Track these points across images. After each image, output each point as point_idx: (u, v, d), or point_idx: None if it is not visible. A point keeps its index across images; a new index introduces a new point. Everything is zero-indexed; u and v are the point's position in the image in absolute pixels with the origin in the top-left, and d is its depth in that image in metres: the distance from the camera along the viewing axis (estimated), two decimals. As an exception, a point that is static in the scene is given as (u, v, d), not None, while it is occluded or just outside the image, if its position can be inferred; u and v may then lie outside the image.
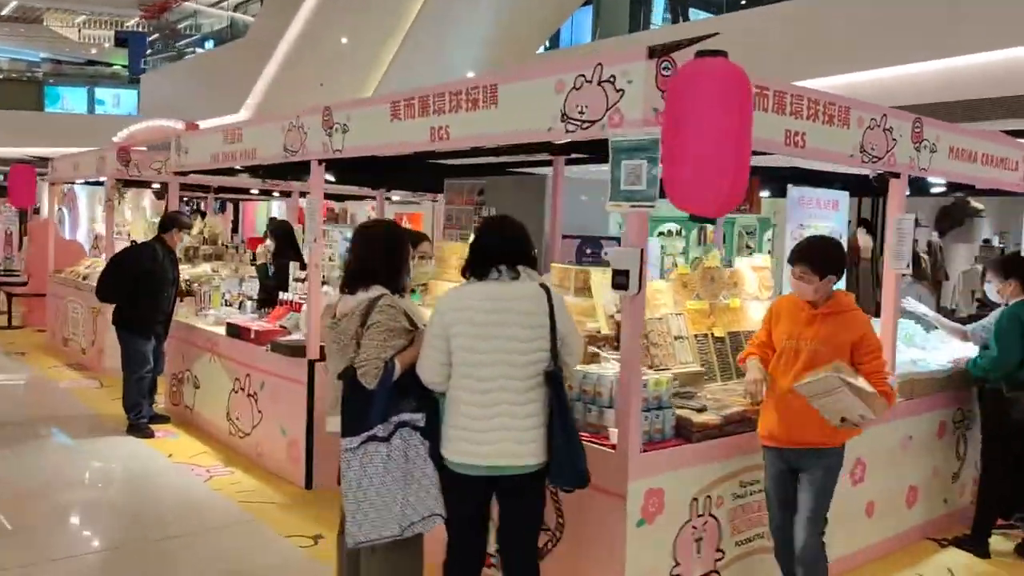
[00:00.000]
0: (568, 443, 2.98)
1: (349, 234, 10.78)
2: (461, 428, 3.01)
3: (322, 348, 5.31)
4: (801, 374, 3.42)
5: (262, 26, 17.04)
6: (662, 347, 3.99)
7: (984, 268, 5.11)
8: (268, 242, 7.13)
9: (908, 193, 4.82)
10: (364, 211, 16.32)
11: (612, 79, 3.27)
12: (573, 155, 6.10)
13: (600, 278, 4.13)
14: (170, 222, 6.76)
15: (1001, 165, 5.28)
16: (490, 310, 3.03)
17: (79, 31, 32.52)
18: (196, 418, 6.75)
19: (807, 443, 3.49)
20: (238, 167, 6.63)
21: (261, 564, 4.33)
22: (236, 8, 22.19)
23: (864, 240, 9.62)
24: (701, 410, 3.67)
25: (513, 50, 14.81)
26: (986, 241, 14.07)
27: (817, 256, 3.48)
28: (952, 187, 5.96)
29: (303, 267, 6.71)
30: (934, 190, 6.10)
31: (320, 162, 5.35)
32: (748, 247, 10.22)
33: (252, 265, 8.45)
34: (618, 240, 7.16)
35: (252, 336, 5.92)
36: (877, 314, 4.63)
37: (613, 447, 3.31)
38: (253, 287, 7.13)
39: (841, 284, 4.07)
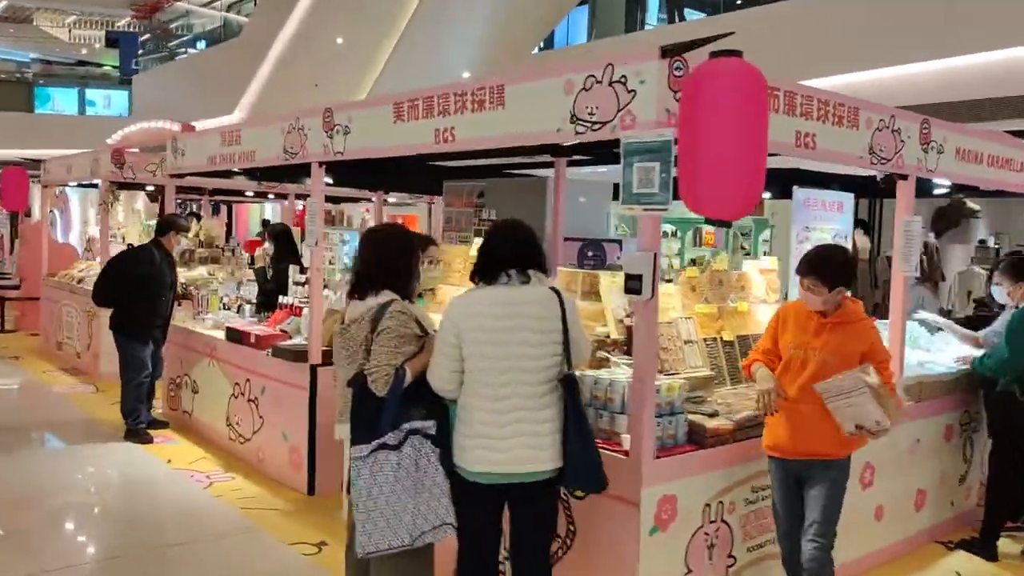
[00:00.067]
0: (585, 447, 2.95)
1: (347, 236, 10.76)
2: (476, 436, 2.96)
3: (324, 352, 5.29)
4: (808, 384, 3.36)
5: (256, 26, 16.94)
6: (672, 351, 3.95)
7: (992, 270, 5.08)
8: (267, 245, 7.05)
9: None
10: (359, 213, 16.26)
11: (624, 79, 3.22)
12: (575, 156, 6.05)
13: (609, 282, 4.09)
14: (167, 225, 6.68)
15: (1007, 166, 5.26)
16: (501, 315, 2.98)
17: (69, 31, 32.33)
18: (195, 423, 6.67)
19: (814, 454, 3.43)
20: (236, 169, 6.56)
21: (264, 572, 4.27)
22: (229, 8, 22.08)
23: (861, 241, 9.61)
24: (713, 415, 3.63)
25: (509, 50, 14.76)
26: (982, 242, 14.09)
27: (826, 268, 3.41)
28: (955, 188, 5.93)
29: (303, 271, 6.64)
30: (936, 191, 6.08)
31: (321, 164, 5.28)
32: (743, 248, 10.19)
33: (250, 268, 8.37)
34: (619, 243, 7.13)
35: (252, 340, 5.85)
36: (873, 314, 4.60)
37: (626, 453, 3.26)
38: (251, 291, 7.05)
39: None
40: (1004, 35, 8.43)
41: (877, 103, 4.21)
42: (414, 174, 7.88)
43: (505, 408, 2.94)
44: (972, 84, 8.56)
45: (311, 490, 5.31)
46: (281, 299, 6.30)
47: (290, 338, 5.78)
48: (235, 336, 6.09)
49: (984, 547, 4.62)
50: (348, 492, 3.11)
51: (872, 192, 7.08)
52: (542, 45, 16.32)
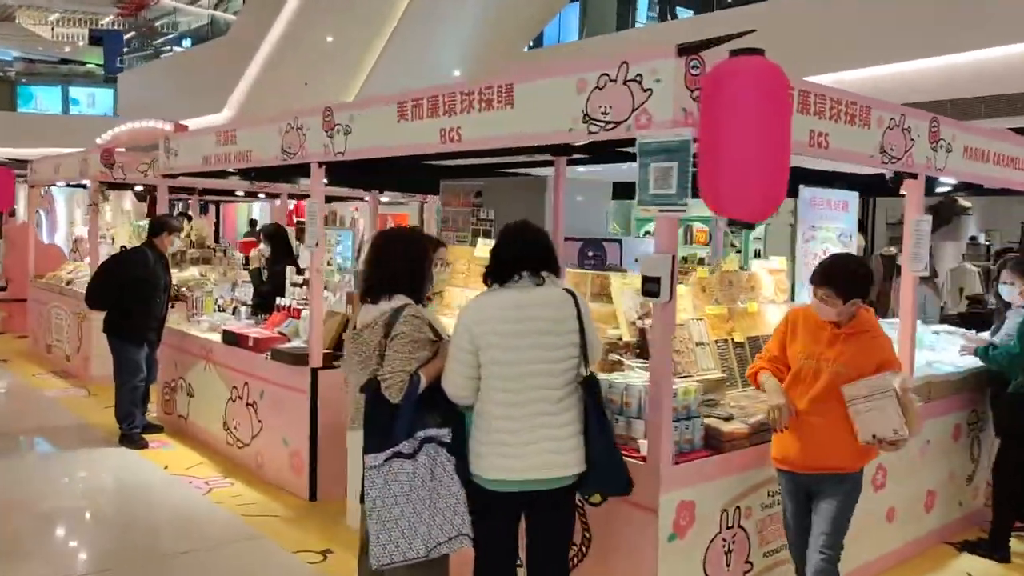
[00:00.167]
0: (610, 449, 2.89)
1: (339, 236, 10.64)
2: (495, 444, 2.89)
3: (326, 356, 5.21)
4: (820, 397, 3.27)
5: (244, 24, 16.78)
6: (684, 354, 3.89)
7: (999, 268, 5.06)
8: (262, 246, 6.94)
9: (901, 194, 4.77)
10: (348, 212, 16.14)
11: (639, 78, 3.16)
12: (576, 155, 5.99)
13: (620, 284, 4.03)
14: (160, 226, 6.57)
15: (1012, 165, 5.24)
16: (516, 319, 2.91)
17: (52, 29, 31.95)
18: (190, 427, 6.57)
19: (826, 468, 3.32)
20: (231, 169, 6.46)
21: (270, 582, 4.19)
22: (216, 6, 21.87)
23: (856, 239, 9.60)
24: (728, 419, 3.58)
25: (500, 49, 14.68)
26: (972, 239, 14.16)
27: (842, 279, 3.28)
28: (960, 187, 5.91)
29: (299, 271, 6.55)
30: (938, 190, 6.06)
31: (320, 164, 5.20)
32: (733, 246, 10.17)
33: (245, 269, 8.26)
34: (619, 242, 7.07)
35: (250, 343, 5.75)
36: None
37: (643, 459, 3.20)
38: (247, 292, 6.95)
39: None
40: (1004, 33, 8.43)
41: (887, 101, 4.17)
42: (410, 173, 7.79)
43: (524, 414, 2.87)
44: (973, 81, 8.56)
45: (312, 496, 5.22)
46: (278, 301, 6.20)
47: (289, 341, 5.69)
48: (232, 339, 5.99)
49: (996, 548, 4.59)
50: (362, 501, 3.03)
51: (868, 191, 7.07)
52: (531, 44, 16.25)
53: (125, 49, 26.53)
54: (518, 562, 3.12)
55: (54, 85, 30.08)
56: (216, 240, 12.02)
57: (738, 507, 3.52)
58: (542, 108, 3.59)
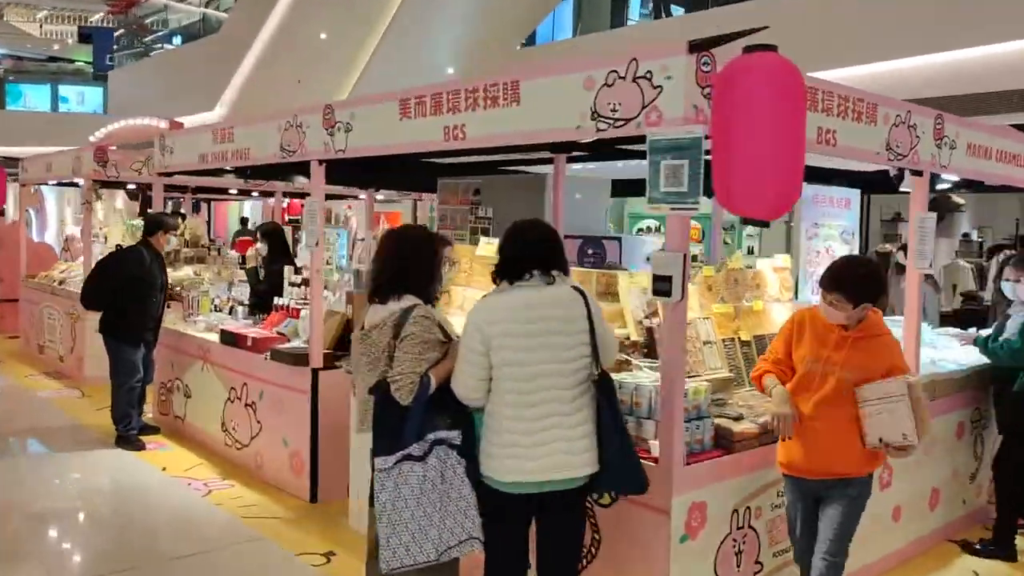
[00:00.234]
0: (626, 450, 2.86)
1: (339, 233, 10.58)
2: (506, 445, 2.85)
3: (326, 356, 5.16)
4: (826, 401, 3.19)
5: (236, 21, 16.66)
6: (692, 353, 3.86)
7: (1001, 266, 5.06)
8: (259, 244, 6.88)
9: (902, 191, 4.77)
10: (341, 210, 16.06)
11: (649, 75, 3.12)
12: (575, 153, 5.96)
13: (627, 282, 3.99)
14: (155, 224, 6.49)
15: (1013, 162, 5.23)
16: (529, 319, 2.87)
17: (40, 26, 31.70)
18: (187, 428, 6.50)
19: (833, 473, 3.24)
20: (228, 167, 6.39)
21: (273, 585, 4.14)
22: (207, 3, 21.73)
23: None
24: (738, 419, 3.55)
25: (493, 47, 14.62)
26: (965, 235, 14.21)
27: (852, 284, 3.19)
28: (962, 184, 5.91)
29: (297, 271, 6.49)
30: (938, 187, 6.06)
31: (321, 163, 5.14)
32: (726, 243, 10.14)
33: (241, 269, 8.19)
34: (619, 240, 7.04)
35: (249, 343, 5.69)
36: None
37: (655, 460, 3.17)
38: (243, 292, 6.89)
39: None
40: (1005, 29, 8.43)
41: (892, 98, 4.15)
42: (408, 171, 7.74)
43: (536, 415, 2.84)
44: (976, 77, 8.57)
45: (313, 497, 5.17)
46: (277, 300, 6.14)
47: (288, 341, 5.64)
48: (230, 339, 5.93)
49: (1001, 547, 4.58)
50: (371, 504, 2.99)
51: (864, 188, 7.08)
52: (523, 42, 16.19)
53: (114, 47, 26.32)
54: (528, 565, 3.08)
55: (43, 83, 29.83)
56: (209, 239, 11.92)
57: (748, 507, 3.49)
58: (549, 105, 3.54)
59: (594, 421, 2.90)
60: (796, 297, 4.87)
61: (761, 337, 4.30)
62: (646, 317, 3.92)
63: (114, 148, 8.84)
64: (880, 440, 3.16)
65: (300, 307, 5.82)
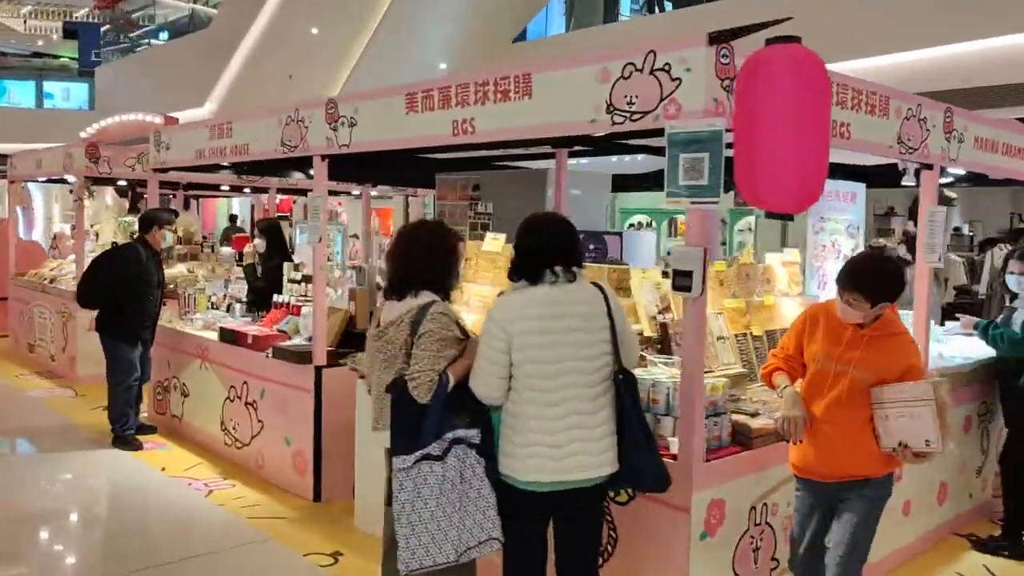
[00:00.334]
0: (651, 450, 2.81)
1: (338, 230, 10.48)
2: (529, 444, 2.80)
3: (330, 353, 5.09)
4: (839, 402, 3.07)
5: (227, 16, 16.48)
6: (705, 349, 3.82)
7: (1007, 258, 5.06)
8: (257, 241, 6.80)
9: (897, 185, 4.74)
10: (331, 207, 15.94)
11: (667, 67, 3.08)
12: (577, 148, 5.90)
13: (640, 278, 3.95)
14: (151, 221, 6.40)
15: (1018, 155, 5.23)
16: (552, 316, 2.82)
17: (24, 22, 31.29)
18: (185, 428, 6.42)
19: (850, 475, 3.10)
20: (226, 163, 6.30)
21: (281, 586, 4.08)
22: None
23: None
24: (754, 415, 3.52)
25: (486, 42, 14.54)
26: (956, 229, 14.28)
27: (871, 283, 3.04)
28: (965, 178, 5.90)
29: (296, 267, 6.42)
30: (941, 180, 6.05)
31: (324, 158, 5.08)
32: (723, 243, 10.16)
33: (238, 266, 8.10)
34: (619, 235, 7.01)
35: (249, 341, 5.62)
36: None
37: (674, 457, 3.13)
38: (241, 289, 6.80)
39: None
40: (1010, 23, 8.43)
41: (902, 91, 4.13)
42: (405, 167, 7.67)
43: (558, 414, 2.79)
44: (980, 71, 8.57)
45: (317, 497, 5.11)
46: (276, 297, 6.06)
47: (289, 338, 5.56)
48: (230, 337, 5.85)
49: (1010, 544, 4.56)
50: (388, 504, 2.94)
51: (864, 181, 7.07)
52: (515, 37, 16.11)
53: (100, 42, 26.00)
54: (546, 563, 3.04)
55: (27, 79, 29.50)
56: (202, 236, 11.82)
57: (765, 504, 3.47)
58: (562, 98, 3.49)
59: (614, 420, 2.86)
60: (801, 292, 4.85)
61: (772, 332, 4.28)
62: (659, 313, 3.88)
63: (106, 144, 8.72)
64: (899, 444, 3.01)
65: (301, 304, 5.75)
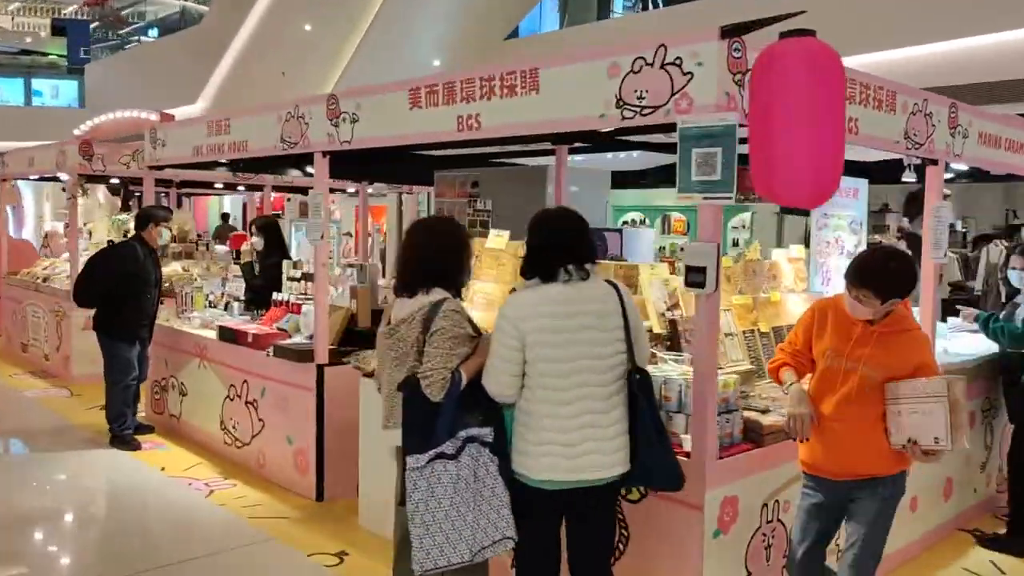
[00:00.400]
0: (665, 449, 2.79)
1: (337, 228, 10.41)
2: (543, 443, 2.77)
3: (332, 351, 5.05)
4: (848, 400, 3.00)
5: (219, 12, 16.40)
6: (715, 345, 3.80)
7: (1008, 254, 5.07)
8: (255, 239, 6.74)
9: (904, 180, 4.74)
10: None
11: (678, 61, 3.06)
12: (577, 144, 5.88)
13: (649, 274, 3.93)
14: (147, 218, 6.33)
15: (1021, 151, 5.23)
16: (566, 314, 2.79)
17: (12, 18, 31.02)
18: (184, 427, 6.37)
19: (862, 474, 3.03)
20: (223, 160, 6.25)
21: (288, 587, 4.04)
22: (186, -5, 21.40)
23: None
24: (765, 411, 3.50)
25: (478, 40, 14.51)
26: (950, 226, 14.29)
27: (882, 281, 2.95)
28: (967, 174, 5.92)
29: (295, 265, 6.36)
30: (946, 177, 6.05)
31: (325, 154, 5.03)
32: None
33: (236, 264, 8.04)
34: (619, 232, 6.99)
35: (249, 340, 5.57)
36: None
37: (687, 454, 3.11)
38: (238, 287, 6.75)
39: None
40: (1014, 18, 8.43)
41: (908, 86, 4.12)
42: (402, 163, 7.63)
43: (572, 412, 2.76)
44: (985, 66, 8.57)
45: (319, 496, 5.07)
46: (275, 296, 6.01)
47: (289, 337, 5.52)
48: (229, 335, 5.80)
49: (1016, 542, 4.55)
50: (400, 504, 2.91)
51: (866, 177, 7.07)
52: (508, 34, 16.09)
53: (89, 40, 25.82)
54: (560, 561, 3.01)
55: (16, 77, 29.26)
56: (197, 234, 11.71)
57: (776, 501, 3.45)
58: (570, 93, 3.46)
59: (627, 419, 2.83)
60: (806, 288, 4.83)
61: (779, 328, 4.26)
62: (668, 309, 3.86)
63: (100, 141, 8.64)
64: (909, 441, 2.96)
65: (301, 302, 5.70)
